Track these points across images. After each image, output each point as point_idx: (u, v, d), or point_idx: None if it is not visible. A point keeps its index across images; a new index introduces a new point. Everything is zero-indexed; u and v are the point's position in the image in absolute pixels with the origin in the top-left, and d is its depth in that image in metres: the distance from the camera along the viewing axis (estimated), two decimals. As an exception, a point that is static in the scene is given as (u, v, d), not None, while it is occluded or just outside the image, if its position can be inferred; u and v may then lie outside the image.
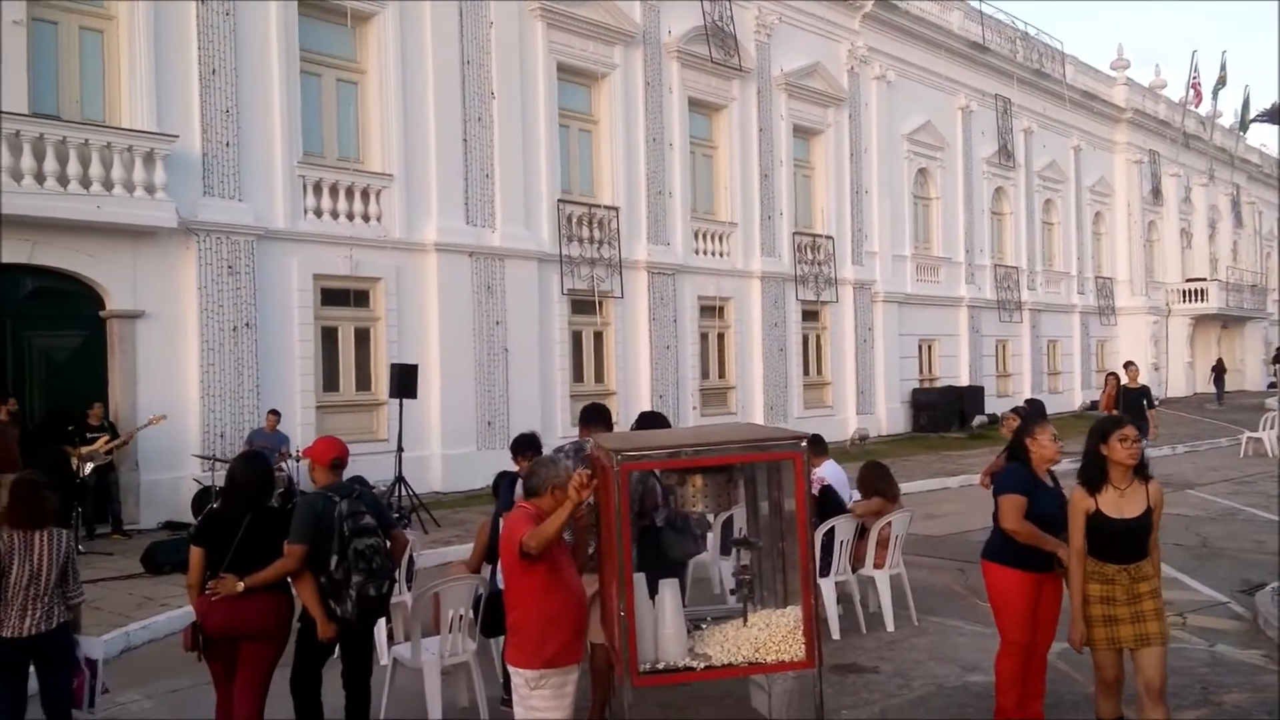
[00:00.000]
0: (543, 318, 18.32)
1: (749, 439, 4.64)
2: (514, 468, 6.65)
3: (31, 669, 5.20)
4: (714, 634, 4.49)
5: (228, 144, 14.29)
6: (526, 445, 6.61)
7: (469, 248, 17.12)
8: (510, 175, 17.84)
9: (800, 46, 24.03)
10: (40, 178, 12.29)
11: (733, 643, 4.37)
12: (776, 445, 4.48)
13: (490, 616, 5.99)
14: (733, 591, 5.31)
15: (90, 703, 5.35)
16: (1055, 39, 35.04)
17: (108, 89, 13.64)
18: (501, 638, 5.93)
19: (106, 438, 12.36)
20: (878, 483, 8.47)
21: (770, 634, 4.36)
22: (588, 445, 5.62)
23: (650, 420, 6.65)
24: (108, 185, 12.82)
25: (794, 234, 23.78)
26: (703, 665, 4.30)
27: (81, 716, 5.32)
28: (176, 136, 13.54)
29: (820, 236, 24.54)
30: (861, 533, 8.17)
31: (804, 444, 4.31)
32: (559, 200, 18.70)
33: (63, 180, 12.47)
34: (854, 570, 8.12)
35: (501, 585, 5.56)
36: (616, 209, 19.66)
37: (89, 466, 12.06)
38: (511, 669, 4.52)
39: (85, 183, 12.65)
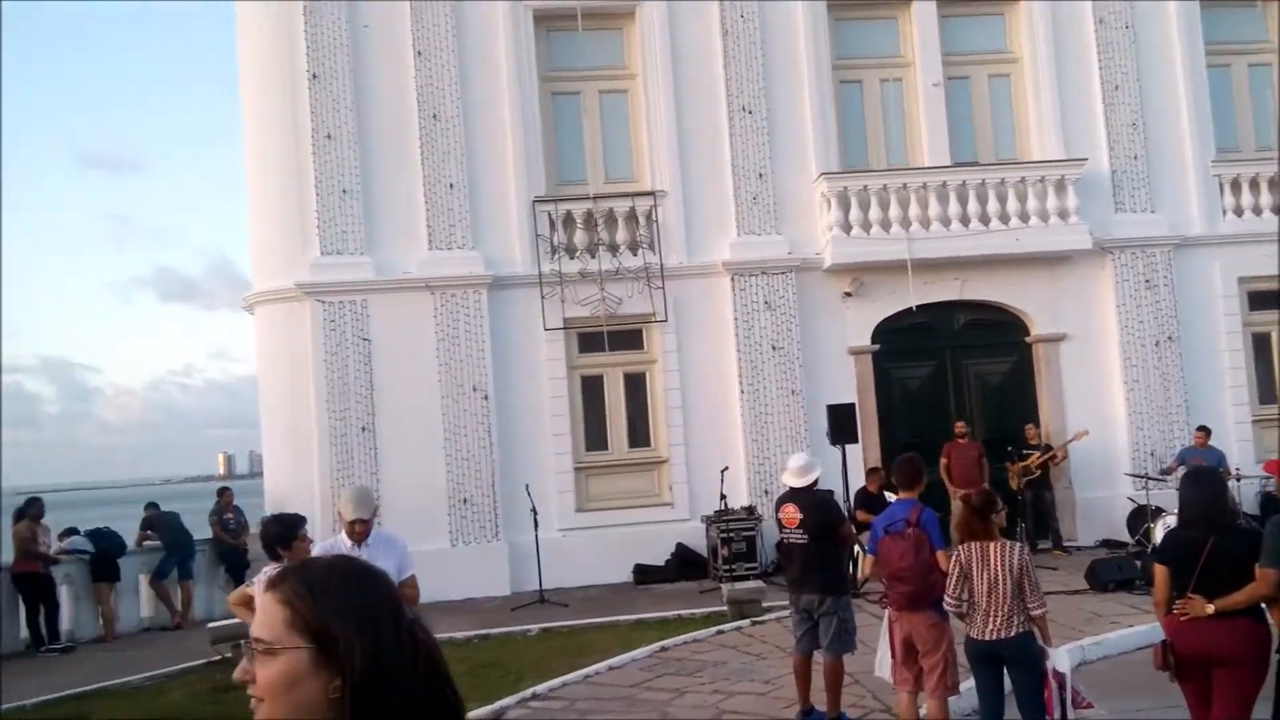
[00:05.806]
0: None
1: None
2: None
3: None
4: None
5: (1135, 157, 14.09)
6: None
7: None
8: None
9: None
10: (965, 220, 13.55)
11: None
12: None
13: None
14: None
15: (1062, 715, 5.55)
16: None
17: (1016, 126, 14.51)
18: None
19: (1038, 454, 13.00)
20: None
21: None
22: None
23: None
24: (1023, 217, 13.57)
25: None
26: None
27: (1054, 725, 5.56)
28: (1085, 159, 13.77)
29: None
30: None
31: None
32: None
33: (983, 219, 13.56)
34: None
35: None
36: None
37: (1022, 482, 12.80)
38: None
39: (1003, 218, 13.57)
